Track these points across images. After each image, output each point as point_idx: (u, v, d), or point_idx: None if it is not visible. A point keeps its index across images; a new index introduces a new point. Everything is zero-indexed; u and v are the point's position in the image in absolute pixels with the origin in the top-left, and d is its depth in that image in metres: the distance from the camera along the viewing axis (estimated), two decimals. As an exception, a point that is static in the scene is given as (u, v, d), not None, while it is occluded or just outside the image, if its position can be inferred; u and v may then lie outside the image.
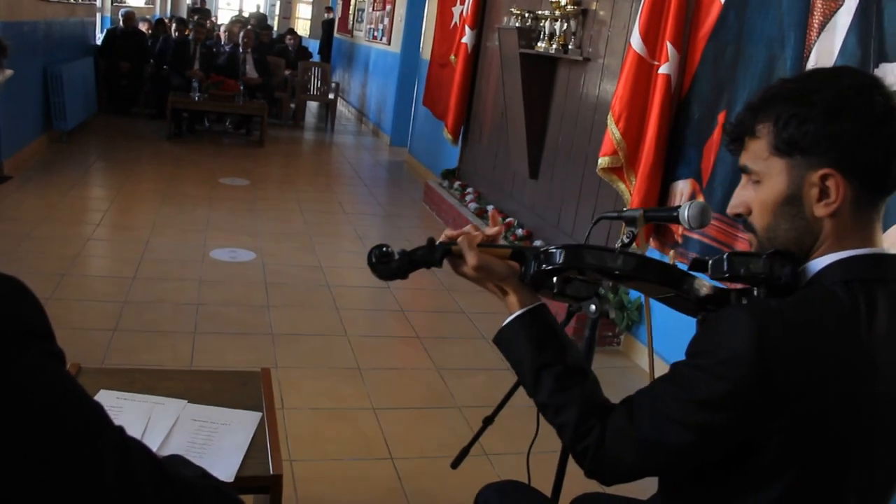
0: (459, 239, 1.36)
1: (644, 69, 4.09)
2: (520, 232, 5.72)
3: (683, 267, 1.32)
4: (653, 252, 4.17)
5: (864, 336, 1.10)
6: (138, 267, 4.92)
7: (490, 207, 6.43)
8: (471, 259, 1.34)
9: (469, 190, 7.00)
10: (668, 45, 3.93)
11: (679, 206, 1.57)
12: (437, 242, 1.39)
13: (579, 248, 1.33)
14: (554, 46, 5.24)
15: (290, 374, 3.70)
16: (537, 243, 5.42)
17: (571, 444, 1.26)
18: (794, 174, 1.17)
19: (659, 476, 1.32)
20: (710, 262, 1.25)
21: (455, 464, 2.20)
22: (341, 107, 14.23)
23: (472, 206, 6.58)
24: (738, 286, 1.27)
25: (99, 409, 0.95)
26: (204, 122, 10.75)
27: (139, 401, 2.05)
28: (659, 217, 1.70)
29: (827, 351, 1.09)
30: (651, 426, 1.17)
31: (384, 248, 1.36)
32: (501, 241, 1.44)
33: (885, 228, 2.66)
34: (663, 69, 3.96)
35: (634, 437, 1.19)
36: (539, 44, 5.38)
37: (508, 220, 5.99)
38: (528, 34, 5.47)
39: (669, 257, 1.45)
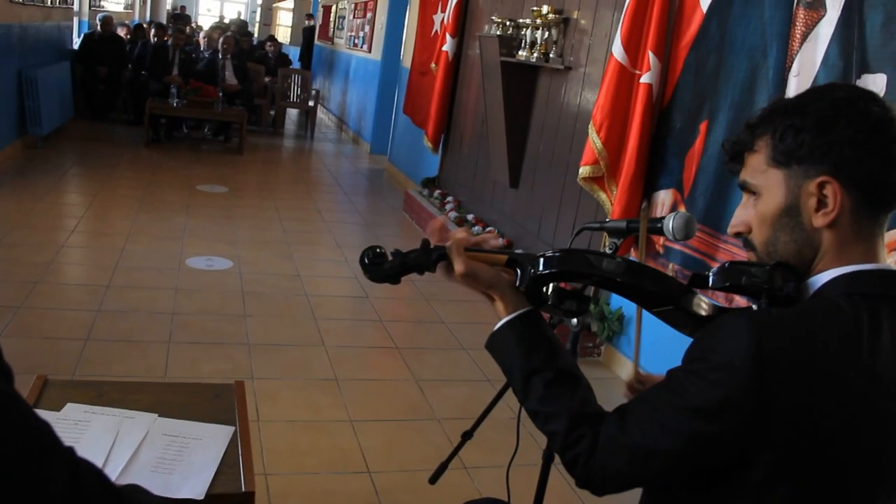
0: (448, 244, 1.32)
1: (625, 78, 4.08)
2: (500, 241, 5.67)
3: None
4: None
5: (867, 351, 1.07)
6: (113, 275, 4.83)
7: (470, 216, 6.40)
8: (458, 266, 1.30)
9: (449, 199, 6.96)
10: (650, 54, 3.91)
11: (664, 218, 1.53)
12: (433, 245, 1.34)
13: (579, 253, 1.29)
14: (535, 55, 5.22)
15: (267, 386, 3.63)
16: (517, 252, 5.38)
17: (562, 453, 1.23)
18: (792, 184, 1.16)
19: (649, 486, 1.29)
20: (712, 271, 1.22)
21: (433, 479, 2.15)
22: (321, 114, 14.17)
23: (452, 214, 6.55)
24: (739, 305, 1.23)
25: (46, 429, 0.90)
26: (182, 128, 10.66)
27: (108, 414, 1.98)
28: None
29: (827, 365, 1.06)
30: (643, 433, 1.14)
31: (378, 249, 1.31)
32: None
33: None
34: (645, 78, 3.94)
35: (626, 444, 1.15)
36: (520, 52, 5.36)
37: (489, 229, 5.96)
38: (510, 42, 5.45)
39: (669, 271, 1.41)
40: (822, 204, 1.13)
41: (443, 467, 2.14)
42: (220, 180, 8.05)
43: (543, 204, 5.35)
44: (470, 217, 6.38)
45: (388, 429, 3.44)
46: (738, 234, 1.25)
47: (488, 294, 1.34)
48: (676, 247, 3.83)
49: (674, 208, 3.89)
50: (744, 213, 1.24)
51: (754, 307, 1.19)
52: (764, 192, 1.19)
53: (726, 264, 1.22)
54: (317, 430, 3.32)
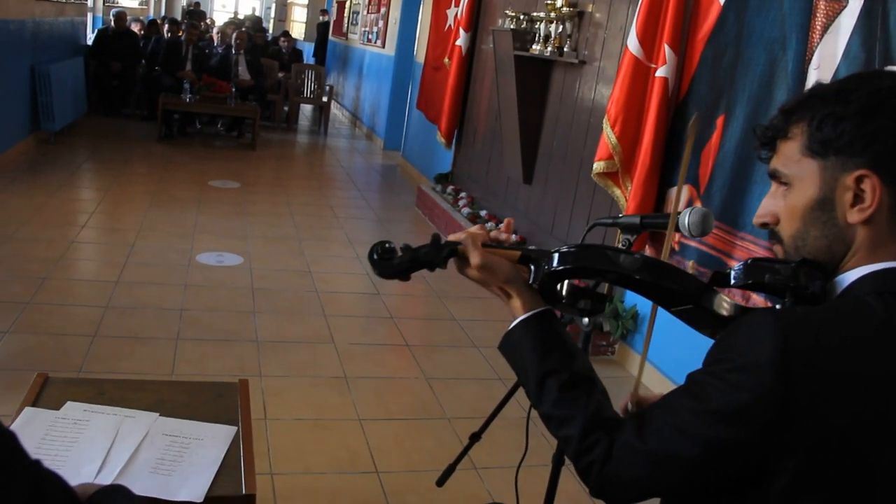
0: (464, 237, 1.28)
1: (641, 72, 4.00)
2: (513, 237, 5.62)
3: None
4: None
5: None
6: (122, 271, 4.81)
7: (483, 212, 6.34)
8: (474, 258, 1.25)
9: (462, 195, 6.90)
10: (666, 48, 3.83)
11: (679, 213, 1.46)
12: (443, 241, 1.29)
13: (596, 248, 1.23)
14: (549, 49, 5.14)
15: (275, 383, 3.59)
16: (531, 248, 5.32)
17: (575, 459, 1.17)
18: (828, 176, 1.08)
19: (666, 496, 1.22)
20: (733, 269, 1.16)
21: (441, 481, 2.11)
22: (335, 110, 14.14)
23: (465, 210, 6.49)
24: (757, 305, 1.17)
25: (9, 441, 0.85)
26: (196, 123, 10.65)
27: (108, 413, 1.94)
28: (657, 224, 1.60)
29: (856, 366, 1.00)
30: (662, 438, 1.08)
31: (387, 245, 1.27)
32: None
33: None
34: (661, 72, 3.86)
35: (643, 450, 1.09)
36: (534, 46, 5.28)
37: (502, 225, 5.90)
38: (523, 36, 5.38)
39: (689, 267, 1.34)
40: (858, 199, 1.06)
41: (451, 469, 2.09)
42: (232, 176, 8.03)
43: (557, 200, 5.28)
44: (483, 213, 6.32)
45: (397, 428, 3.39)
46: (764, 225, 1.18)
47: (504, 290, 1.29)
48: (693, 244, 3.75)
49: (690, 204, 3.82)
50: (772, 204, 1.17)
51: (777, 307, 1.12)
52: (796, 183, 1.12)
53: (749, 261, 1.15)
54: (325, 429, 3.28)
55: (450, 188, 7.18)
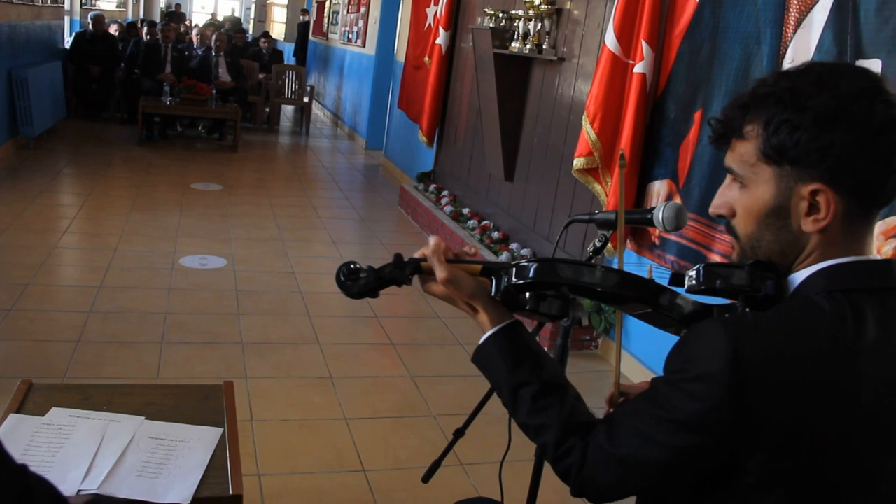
0: (428, 254, 1.29)
1: (619, 68, 4.03)
2: (496, 235, 5.65)
3: (666, 274, 1.25)
4: (630, 254, 4.11)
5: (849, 351, 1.03)
6: (105, 275, 4.79)
7: (466, 210, 6.36)
8: (440, 272, 1.27)
9: (444, 193, 6.92)
10: (643, 44, 3.87)
11: (653, 208, 1.49)
12: (407, 259, 1.32)
13: (552, 263, 1.26)
14: (528, 46, 5.17)
15: (261, 385, 3.60)
16: (513, 246, 5.35)
17: (554, 464, 1.21)
18: (783, 185, 1.09)
19: (642, 494, 1.26)
20: (689, 273, 1.19)
21: (426, 478, 2.12)
22: (317, 110, 14.11)
23: (448, 209, 6.51)
24: (721, 302, 1.20)
25: None
26: (177, 126, 10.60)
27: (94, 418, 1.95)
28: (632, 220, 1.63)
29: (809, 369, 1.02)
30: (631, 445, 1.12)
31: (352, 266, 1.30)
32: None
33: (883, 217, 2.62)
34: (638, 68, 3.90)
35: (615, 456, 1.13)
36: (513, 44, 5.31)
37: (484, 223, 5.92)
38: (502, 34, 5.40)
39: (649, 270, 1.37)
40: (813, 208, 1.08)
41: (435, 465, 2.10)
42: (214, 178, 8.01)
43: (539, 197, 5.30)
44: (465, 211, 6.34)
45: (383, 426, 3.40)
46: (720, 216, 1.19)
47: (470, 304, 1.31)
48: (672, 237, 3.79)
49: (669, 198, 3.85)
50: (728, 195, 1.17)
51: (728, 315, 1.14)
52: (751, 186, 1.13)
53: (702, 267, 1.17)
54: (311, 429, 3.29)
55: (432, 187, 7.19)
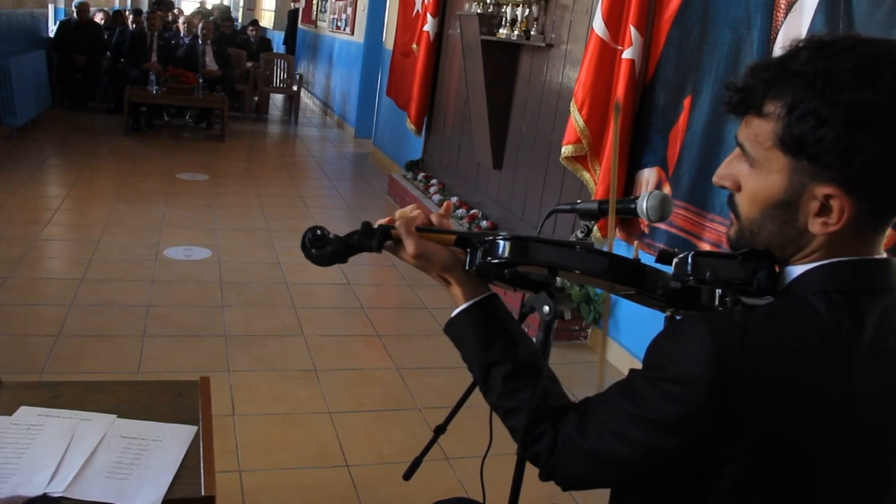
0: (397, 223, 1.23)
1: (607, 54, 3.97)
2: (485, 223, 5.59)
3: (650, 258, 1.19)
4: (618, 243, 4.06)
5: (844, 359, 0.96)
6: (87, 267, 4.72)
7: (454, 199, 6.30)
8: (409, 246, 1.21)
9: (433, 181, 6.86)
10: (632, 29, 3.80)
11: (637, 198, 1.43)
12: (376, 225, 1.25)
13: (528, 241, 1.18)
14: (516, 33, 5.10)
15: (243, 378, 3.54)
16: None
17: (523, 450, 1.17)
18: (795, 179, 0.98)
19: (613, 487, 1.21)
20: (675, 261, 1.12)
21: (407, 475, 2.06)
22: (306, 99, 14.01)
23: (436, 197, 6.45)
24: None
25: None
26: (163, 116, 10.50)
27: (64, 417, 1.89)
28: (617, 209, 1.56)
29: (796, 377, 0.95)
30: (601, 438, 1.07)
31: (318, 231, 1.22)
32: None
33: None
34: (627, 54, 3.83)
35: (584, 448, 1.09)
36: (501, 30, 5.23)
37: (473, 211, 5.86)
38: (490, 20, 5.33)
39: (635, 248, 1.30)
40: (824, 210, 0.98)
41: (417, 462, 2.04)
42: (201, 168, 7.92)
43: (527, 185, 5.25)
44: (454, 199, 6.28)
45: (367, 420, 3.35)
46: (723, 186, 1.10)
47: (443, 277, 1.26)
48: (662, 226, 3.73)
49: (658, 187, 3.80)
50: (734, 167, 1.07)
51: (715, 313, 1.06)
52: (761, 170, 1.02)
53: (689, 256, 1.09)
54: (294, 423, 3.23)
55: (420, 175, 7.13)
